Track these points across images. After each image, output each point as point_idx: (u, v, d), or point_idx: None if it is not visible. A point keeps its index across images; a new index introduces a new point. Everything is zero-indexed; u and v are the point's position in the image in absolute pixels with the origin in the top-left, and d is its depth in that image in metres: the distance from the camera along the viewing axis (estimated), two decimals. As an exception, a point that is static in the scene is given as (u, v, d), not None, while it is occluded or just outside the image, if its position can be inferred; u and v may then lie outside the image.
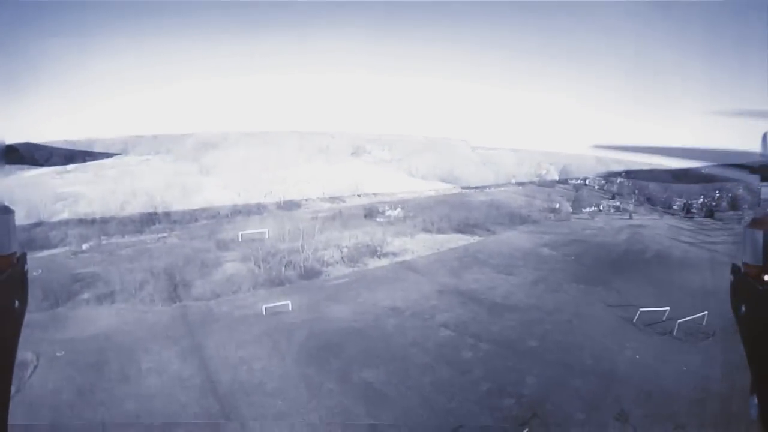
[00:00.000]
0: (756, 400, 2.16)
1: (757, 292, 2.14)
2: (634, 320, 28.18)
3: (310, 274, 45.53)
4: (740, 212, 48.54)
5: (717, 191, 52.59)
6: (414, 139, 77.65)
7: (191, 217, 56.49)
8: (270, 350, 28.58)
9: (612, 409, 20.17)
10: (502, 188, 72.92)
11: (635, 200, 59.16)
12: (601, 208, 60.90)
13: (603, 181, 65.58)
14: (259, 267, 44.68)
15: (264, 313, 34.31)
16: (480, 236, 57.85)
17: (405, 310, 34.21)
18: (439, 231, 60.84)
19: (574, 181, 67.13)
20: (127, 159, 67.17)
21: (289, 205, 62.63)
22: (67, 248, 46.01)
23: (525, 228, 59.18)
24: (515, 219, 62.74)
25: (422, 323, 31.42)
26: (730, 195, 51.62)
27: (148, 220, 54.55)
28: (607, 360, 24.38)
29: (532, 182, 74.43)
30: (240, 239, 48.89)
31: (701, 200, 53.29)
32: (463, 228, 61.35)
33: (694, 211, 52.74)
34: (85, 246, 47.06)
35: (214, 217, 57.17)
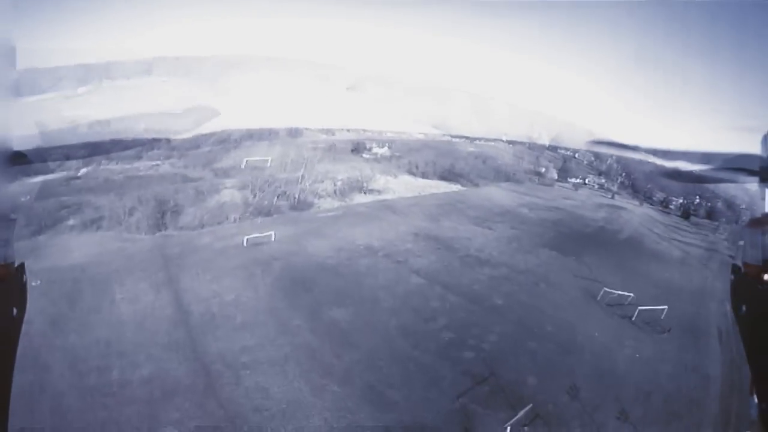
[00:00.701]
0: (756, 400, 2.13)
1: (757, 291, 2.18)
2: (598, 297, 28.80)
3: (302, 205, 45.79)
4: (716, 223, 49.26)
5: (697, 197, 53.32)
6: (412, 82, 75.98)
7: (195, 143, 56.74)
8: (244, 283, 28.46)
9: (565, 381, 20.75)
10: (492, 143, 71.98)
11: (620, 183, 59.68)
12: (587, 182, 61.23)
13: (593, 158, 65.64)
14: (255, 195, 44.59)
15: (245, 245, 34.19)
16: (463, 186, 57.57)
17: (379, 250, 34.07)
18: (423, 175, 60.50)
19: (564, 151, 66.89)
20: (145, 79, 64.38)
21: (294, 133, 64.25)
22: (64, 173, 45.46)
23: (508, 186, 59.09)
24: (500, 175, 62.47)
25: (395, 266, 31.41)
26: (708, 204, 52.37)
27: (151, 146, 54.58)
28: (566, 331, 24.91)
29: (522, 143, 73.84)
30: (244, 166, 49.34)
31: (681, 200, 53.99)
32: (447, 175, 60.88)
33: (672, 207, 53.64)
34: (81, 172, 46.49)
35: (222, 141, 58.01)
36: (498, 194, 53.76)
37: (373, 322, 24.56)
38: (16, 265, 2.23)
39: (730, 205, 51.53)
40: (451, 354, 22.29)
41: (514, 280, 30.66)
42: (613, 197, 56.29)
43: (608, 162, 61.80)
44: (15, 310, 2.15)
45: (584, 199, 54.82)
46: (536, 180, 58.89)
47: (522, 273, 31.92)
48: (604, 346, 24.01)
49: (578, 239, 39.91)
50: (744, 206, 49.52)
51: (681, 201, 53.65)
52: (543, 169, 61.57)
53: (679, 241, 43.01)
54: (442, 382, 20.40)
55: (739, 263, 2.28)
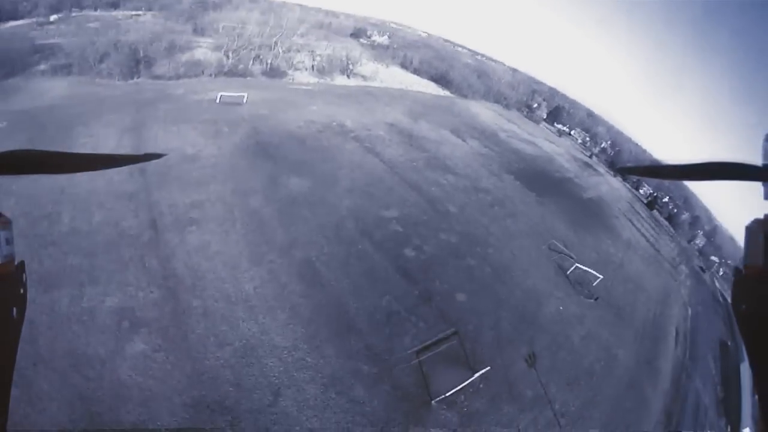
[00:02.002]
0: (757, 399, 1.70)
1: (757, 292, 1.89)
2: (545, 245, 28.74)
3: (275, 73, 44.75)
4: (672, 231, 49.41)
5: (668, 197, 53.41)
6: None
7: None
8: (209, 139, 27.15)
9: (489, 308, 20.66)
10: (493, 63, 67.97)
11: (603, 148, 58.78)
12: (572, 133, 59.70)
13: (588, 138, 63.45)
14: (228, 57, 43.80)
15: (218, 101, 33.19)
16: (451, 93, 54.81)
17: (352, 131, 32.33)
18: (416, 72, 57.33)
19: (560, 126, 63.56)
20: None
21: (287, 7, 60.16)
22: (34, 20, 44.41)
23: (495, 107, 56.78)
24: (490, 94, 59.77)
25: (362, 150, 29.82)
26: (674, 209, 52.58)
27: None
28: (505, 260, 24.64)
29: (524, 73, 70.05)
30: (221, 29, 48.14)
31: (652, 190, 53.72)
32: (439, 79, 57.89)
33: (641, 192, 53.64)
34: (53, 17, 45.92)
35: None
36: (483, 112, 51.47)
37: (327, 198, 23.30)
38: (16, 264, 1.84)
39: (693, 224, 51.96)
40: (393, 247, 21.50)
41: (472, 195, 29.78)
42: (591, 157, 55.68)
43: (602, 146, 60.21)
44: (15, 311, 1.77)
45: (564, 146, 53.80)
46: (524, 112, 56.78)
47: (481, 191, 31.05)
48: (535, 287, 24.10)
49: (545, 180, 39.20)
50: (702, 235, 49.87)
51: (652, 191, 53.78)
52: (535, 105, 59.29)
53: (635, 225, 43.41)
54: (377, 274, 19.75)
55: (740, 265, 1.93)
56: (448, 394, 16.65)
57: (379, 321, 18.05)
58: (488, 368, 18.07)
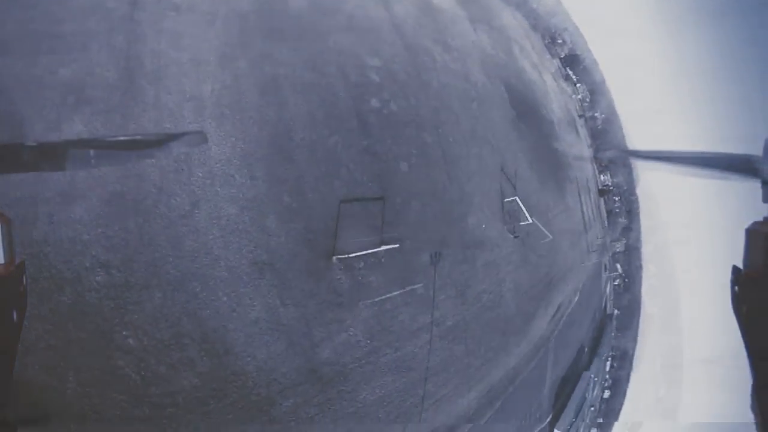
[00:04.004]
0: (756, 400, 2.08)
1: (757, 293, 2.19)
2: (499, 164, 28.14)
3: None
4: (606, 227, 50.35)
5: (618, 198, 53.56)
6: None
7: None
8: None
9: (425, 204, 20.74)
10: None
11: (589, 136, 57.51)
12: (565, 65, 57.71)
13: (588, 99, 60.55)
14: None
15: None
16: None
17: None
18: None
19: (570, 72, 59.59)
20: None
21: None
22: None
23: (519, 17, 52.41)
24: (523, 6, 55.00)
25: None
26: (617, 209, 52.83)
27: None
28: (463, 162, 24.31)
29: (543, 36, 64.09)
30: None
31: (611, 179, 53.47)
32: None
33: (602, 177, 53.27)
34: None
35: None
36: (507, 17, 47.22)
37: (320, 25, 20.97)
38: (16, 264, 2.03)
39: (624, 231, 52.55)
40: (362, 93, 20.20)
41: (458, 81, 27.68)
42: (580, 117, 54.32)
43: (603, 99, 57.96)
44: (15, 313, 1.93)
45: (563, 92, 51.99)
46: (546, 40, 53.52)
47: (469, 83, 29.23)
48: (472, 193, 24.00)
49: (531, 108, 37.76)
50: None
51: (609, 183, 53.73)
52: (560, 40, 55.90)
53: (581, 198, 43.52)
54: (336, 111, 18.81)
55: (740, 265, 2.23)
56: (349, 256, 16.93)
57: (318, 158, 17.52)
58: (396, 246, 18.48)
